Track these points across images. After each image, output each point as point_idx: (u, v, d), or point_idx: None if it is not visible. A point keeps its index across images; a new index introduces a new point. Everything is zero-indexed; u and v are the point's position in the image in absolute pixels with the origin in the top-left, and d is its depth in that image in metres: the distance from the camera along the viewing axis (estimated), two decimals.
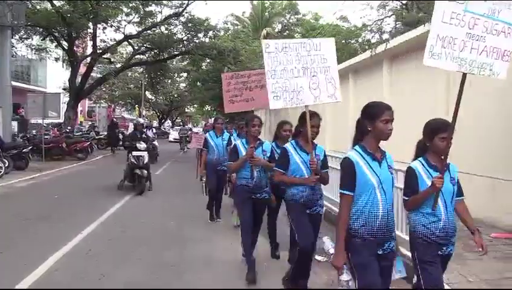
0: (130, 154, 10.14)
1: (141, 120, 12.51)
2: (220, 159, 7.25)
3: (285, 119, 5.44)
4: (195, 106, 54.94)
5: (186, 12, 22.06)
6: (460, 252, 5.39)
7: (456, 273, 4.49)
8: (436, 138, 3.00)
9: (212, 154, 7.38)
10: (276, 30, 33.82)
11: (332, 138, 14.59)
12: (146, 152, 10.24)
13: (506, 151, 6.58)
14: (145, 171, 10.07)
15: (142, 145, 10.22)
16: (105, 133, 25.26)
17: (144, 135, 10.77)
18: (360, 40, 23.38)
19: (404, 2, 20.18)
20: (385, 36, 18.73)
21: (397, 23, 20.40)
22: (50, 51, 22.84)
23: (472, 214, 3.17)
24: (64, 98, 23.32)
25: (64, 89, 25.91)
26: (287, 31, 33.56)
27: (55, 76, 30.77)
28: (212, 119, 34.93)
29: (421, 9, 18.17)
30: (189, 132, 26.57)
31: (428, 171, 3.02)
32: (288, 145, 4.20)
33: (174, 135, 34.64)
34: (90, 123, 32.06)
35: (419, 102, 9.09)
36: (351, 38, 26.19)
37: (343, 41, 26.54)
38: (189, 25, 22.19)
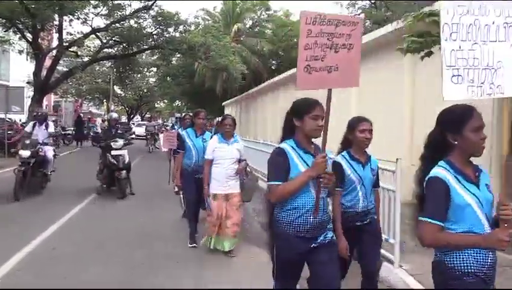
0: (107, 154, 9.27)
1: (114, 114, 11.41)
2: (200, 164, 5.74)
3: (362, 116, 3.64)
4: (165, 101, 54.33)
5: (156, 6, 21.71)
6: None
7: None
8: None
9: (190, 159, 5.92)
10: (248, 26, 33.87)
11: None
12: (126, 150, 9.53)
13: None
14: (124, 172, 9.23)
15: (118, 143, 9.38)
16: (72, 128, 24.91)
17: (118, 131, 10.02)
18: None
19: (373, 0, 20.46)
20: None
21: (366, 21, 20.75)
22: (13, 43, 22.02)
23: None
24: (29, 92, 22.55)
25: (28, 83, 25.01)
26: (258, 27, 33.65)
27: (18, 69, 29.78)
28: (177, 114, 34.36)
29: (389, 8, 18.56)
30: (158, 128, 26.10)
31: None
32: (445, 173, 2.13)
33: (137, 130, 35.16)
34: (53, 119, 30.95)
35: (388, 100, 9.23)
36: None
37: None
38: (159, 18, 21.85)
